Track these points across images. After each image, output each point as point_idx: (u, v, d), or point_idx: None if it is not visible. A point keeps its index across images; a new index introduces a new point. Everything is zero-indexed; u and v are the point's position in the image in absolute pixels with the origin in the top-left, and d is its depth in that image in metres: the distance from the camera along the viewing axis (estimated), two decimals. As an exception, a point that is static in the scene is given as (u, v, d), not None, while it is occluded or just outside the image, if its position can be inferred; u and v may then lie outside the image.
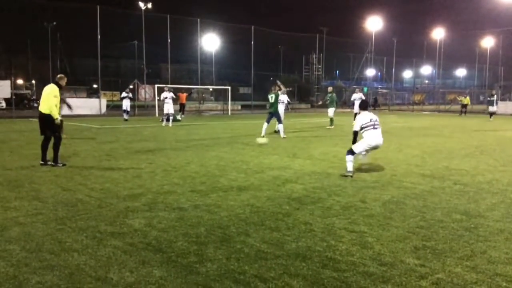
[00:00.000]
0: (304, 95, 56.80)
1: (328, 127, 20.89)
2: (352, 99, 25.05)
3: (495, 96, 30.30)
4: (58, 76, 9.65)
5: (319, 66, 55.75)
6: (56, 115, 9.21)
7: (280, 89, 16.84)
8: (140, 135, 16.80)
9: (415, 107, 50.16)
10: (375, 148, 8.84)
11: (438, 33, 61.66)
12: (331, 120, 21.16)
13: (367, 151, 8.86)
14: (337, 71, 65.19)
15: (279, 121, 16.03)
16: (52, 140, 9.38)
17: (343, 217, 5.62)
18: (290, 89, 41.55)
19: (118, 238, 4.72)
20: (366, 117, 8.66)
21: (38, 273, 3.81)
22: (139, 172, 8.71)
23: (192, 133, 17.81)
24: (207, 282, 3.67)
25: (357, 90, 24.17)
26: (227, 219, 5.49)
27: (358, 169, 9.12)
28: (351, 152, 8.47)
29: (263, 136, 13.74)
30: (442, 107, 47.64)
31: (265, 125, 15.83)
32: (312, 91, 58.42)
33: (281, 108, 17.23)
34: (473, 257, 4.29)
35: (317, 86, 58.33)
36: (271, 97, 16.06)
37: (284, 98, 18.23)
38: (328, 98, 21.84)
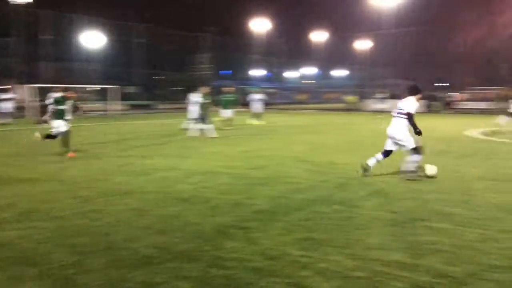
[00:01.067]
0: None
1: (227, 128, 20.93)
2: (248, 99, 25.63)
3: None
4: None
5: (208, 66, 55.95)
6: None
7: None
8: (13, 139, 15.39)
9: (300, 105, 52.63)
10: (392, 139, 8.04)
11: (320, 36, 65.46)
12: (230, 120, 21.20)
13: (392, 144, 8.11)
14: (226, 71, 65.85)
15: (200, 121, 15.82)
16: None
17: (231, 214, 5.67)
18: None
19: (-15, 255, 4.25)
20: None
21: None
22: (10, 180, 7.95)
23: (73, 135, 16.71)
24: (88, 293, 3.46)
25: (254, 90, 24.72)
26: (112, 225, 5.23)
27: (249, 168, 9.31)
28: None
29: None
30: (324, 105, 50.54)
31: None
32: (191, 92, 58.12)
33: (196, 109, 16.85)
34: (351, 245, 4.57)
35: (206, 86, 58.34)
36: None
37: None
38: (226, 98, 21.67)
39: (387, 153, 8.16)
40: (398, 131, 7.88)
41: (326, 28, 64.97)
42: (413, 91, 7.99)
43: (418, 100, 7.97)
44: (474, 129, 19.26)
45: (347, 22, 59.32)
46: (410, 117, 7.69)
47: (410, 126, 7.75)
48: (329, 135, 16.93)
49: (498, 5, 48.30)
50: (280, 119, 27.73)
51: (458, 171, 8.79)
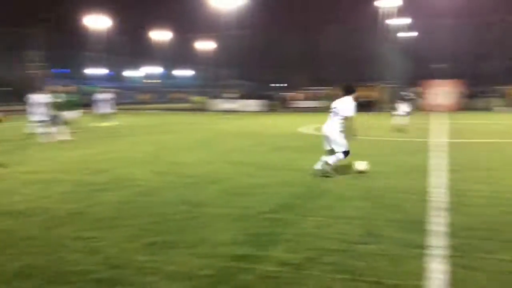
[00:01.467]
0: (23, 97, 51.00)
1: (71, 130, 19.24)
2: (94, 99, 24.53)
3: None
4: None
5: (39, 64, 51.04)
6: None
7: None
8: None
9: (143, 106, 51.47)
10: (326, 138, 7.94)
11: (163, 35, 64.79)
12: (74, 122, 19.55)
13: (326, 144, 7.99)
14: (61, 69, 60.72)
15: (51, 122, 14.48)
16: None
17: (70, 225, 5.23)
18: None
19: None
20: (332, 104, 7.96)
21: None
22: None
23: None
24: None
25: (99, 89, 23.77)
26: None
27: (89, 173, 8.74)
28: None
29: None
30: (170, 105, 50.15)
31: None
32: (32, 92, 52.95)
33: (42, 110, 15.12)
34: (200, 244, 4.57)
35: (39, 86, 53.37)
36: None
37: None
38: (67, 99, 19.95)
39: (331, 152, 7.95)
40: (333, 132, 7.85)
41: (168, 28, 64.45)
42: (348, 91, 7.94)
43: (354, 99, 7.93)
44: (307, 126, 20.96)
45: (190, 22, 59.57)
46: (351, 121, 7.74)
47: (345, 127, 7.81)
48: (176, 135, 16.85)
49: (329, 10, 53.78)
50: (125, 120, 26.68)
51: (294, 164, 9.44)
